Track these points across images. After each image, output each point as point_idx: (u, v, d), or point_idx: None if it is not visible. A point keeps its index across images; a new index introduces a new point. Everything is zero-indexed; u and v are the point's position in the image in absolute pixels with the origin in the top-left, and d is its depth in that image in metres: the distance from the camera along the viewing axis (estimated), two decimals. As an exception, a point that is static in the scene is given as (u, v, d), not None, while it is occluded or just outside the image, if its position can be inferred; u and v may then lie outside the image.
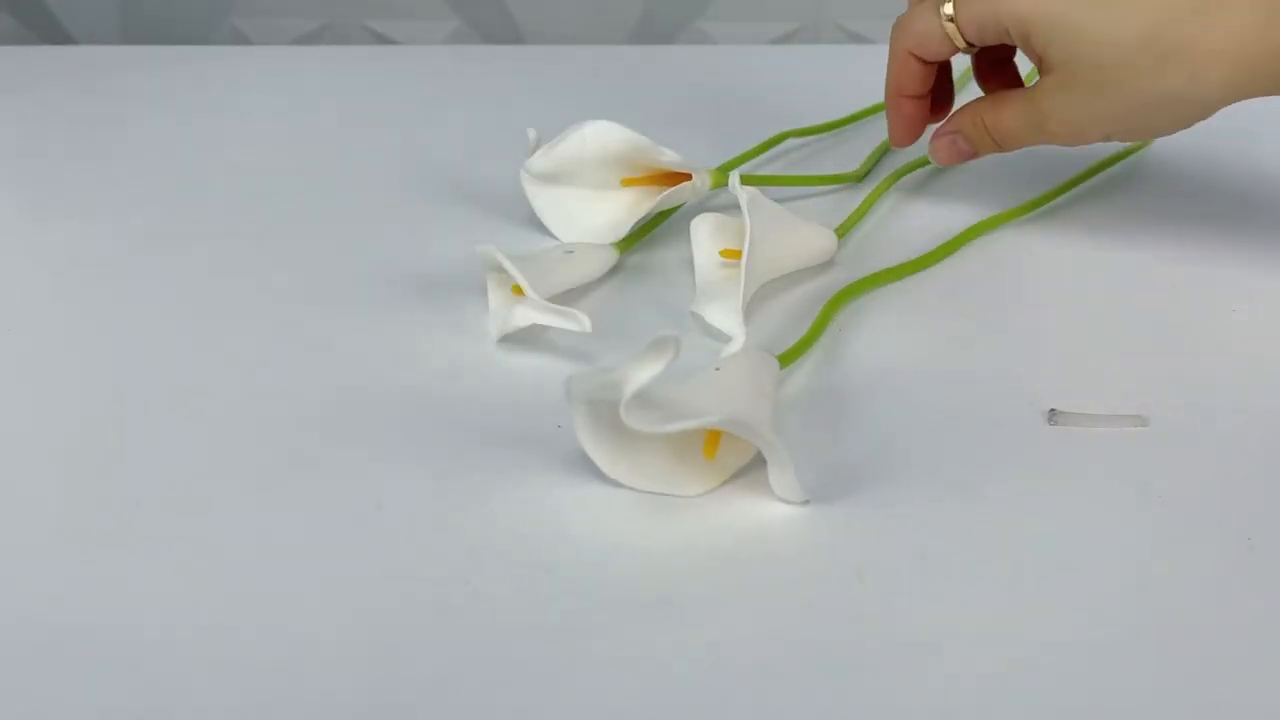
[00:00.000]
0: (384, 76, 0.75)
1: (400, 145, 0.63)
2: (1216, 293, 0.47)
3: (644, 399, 0.34)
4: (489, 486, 0.37)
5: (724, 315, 0.44)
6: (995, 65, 0.51)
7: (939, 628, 0.32)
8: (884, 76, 0.50)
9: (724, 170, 0.51)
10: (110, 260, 0.51)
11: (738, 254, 0.44)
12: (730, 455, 0.37)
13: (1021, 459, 0.38)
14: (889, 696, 0.30)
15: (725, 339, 0.43)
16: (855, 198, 0.53)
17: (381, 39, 0.87)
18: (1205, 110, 0.43)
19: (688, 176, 0.49)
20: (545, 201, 0.51)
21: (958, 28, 0.46)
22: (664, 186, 0.49)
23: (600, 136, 0.49)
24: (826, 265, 0.49)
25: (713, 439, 0.36)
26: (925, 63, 0.48)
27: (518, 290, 0.43)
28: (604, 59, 0.78)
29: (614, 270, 0.48)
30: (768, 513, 0.36)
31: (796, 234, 0.48)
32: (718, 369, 0.38)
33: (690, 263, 0.47)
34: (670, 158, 0.48)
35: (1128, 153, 0.58)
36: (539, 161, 0.50)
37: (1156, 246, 0.50)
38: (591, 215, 0.50)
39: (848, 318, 0.46)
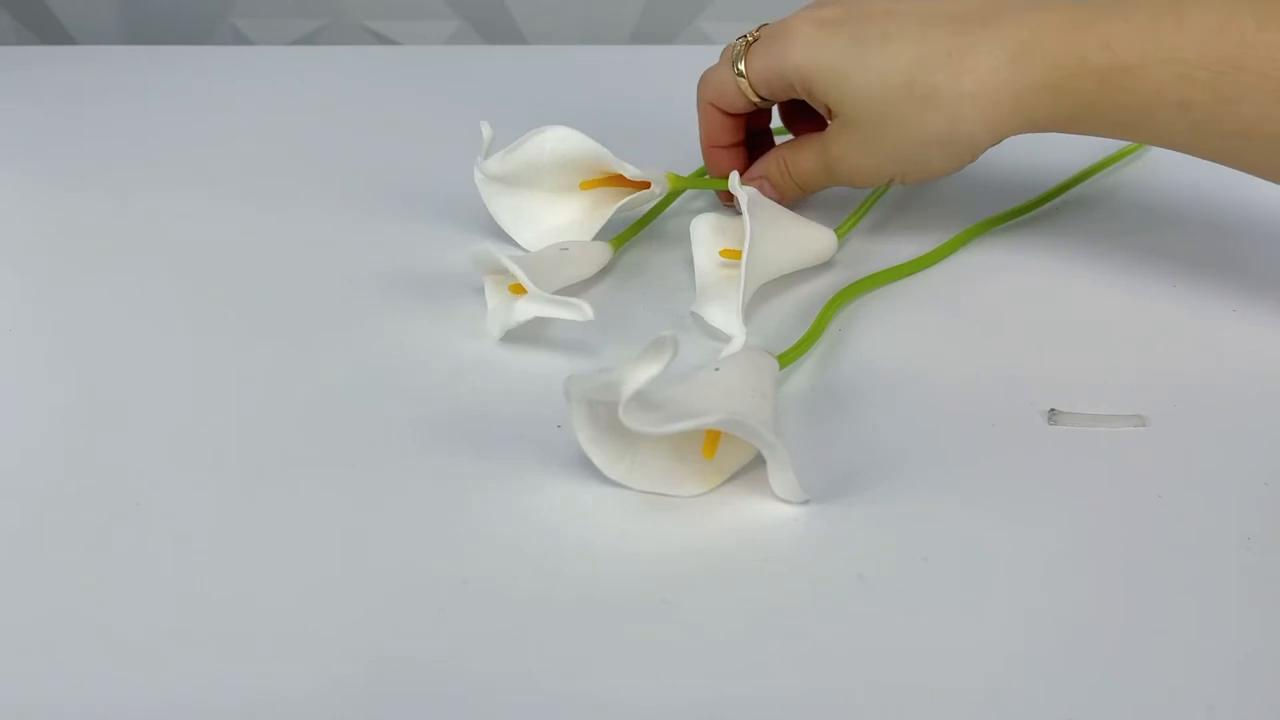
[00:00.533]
0: (384, 76, 0.75)
1: (400, 145, 0.63)
2: (1216, 293, 0.47)
3: (643, 399, 0.34)
4: (489, 486, 0.37)
5: (724, 315, 0.44)
6: (797, 111, 0.52)
7: (939, 627, 0.32)
8: None
9: (694, 177, 0.52)
10: (110, 260, 0.51)
11: (738, 254, 0.44)
12: (730, 455, 0.37)
13: (1021, 459, 0.38)
14: (889, 696, 0.30)
15: (725, 339, 0.43)
16: (855, 198, 0.53)
17: (381, 39, 0.87)
18: (974, 149, 0.44)
19: (646, 184, 0.49)
20: (501, 204, 0.51)
21: (749, 83, 0.48)
22: (623, 189, 0.49)
23: (560, 144, 0.48)
24: (826, 265, 0.49)
25: (712, 439, 0.36)
26: (729, 115, 0.50)
27: (516, 289, 0.44)
28: (604, 59, 0.78)
29: (607, 270, 0.49)
30: (768, 513, 0.36)
31: (796, 234, 0.48)
32: (717, 369, 0.38)
33: (684, 260, 0.47)
34: (629, 171, 0.48)
35: (1126, 152, 0.58)
36: (495, 165, 0.50)
37: (1156, 246, 0.50)
38: (550, 218, 0.50)
39: (848, 318, 0.46)
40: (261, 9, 0.87)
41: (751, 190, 0.45)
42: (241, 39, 0.88)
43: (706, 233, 0.46)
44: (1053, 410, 0.39)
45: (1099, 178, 0.56)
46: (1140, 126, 0.41)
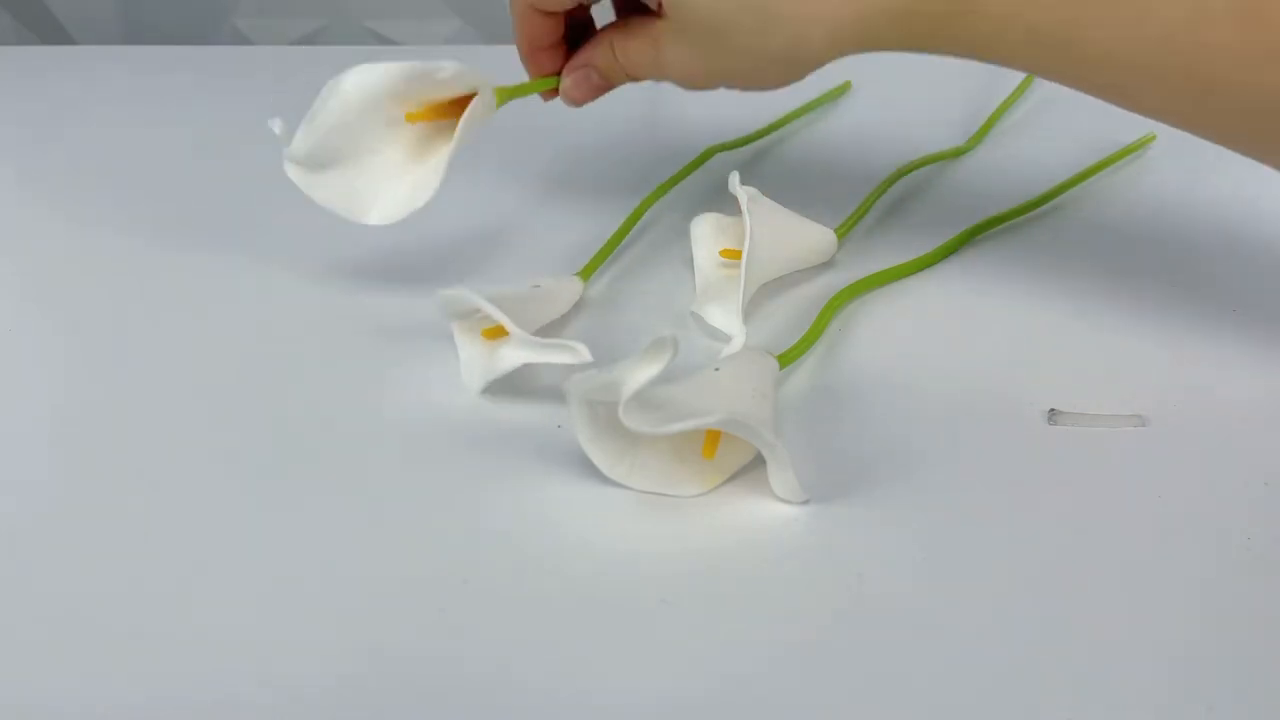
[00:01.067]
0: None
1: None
2: (1216, 293, 0.47)
3: (643, 400, 0.34)
4: (489, 486, 0.37)
5: (724, 315, 0.44)
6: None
7: (939, 627, 0.32)
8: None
9: (521, 86, 0.48)
10: (110, 260, 0.51)
11: (738, 254, 0.44)
12: (730, 455, 0.37)
13: (1021, 459, 0.38)
14: (889, 696, 0.30)
15: (725, 339, 0.43)
16: (854, 197, 0.53)
17: (381, 39, 0.87)
18: (810, 67, 0.43)
19: (468, 99, 0.43)
20: (329, 189, 0.44)
21: None
22: (452, 117, 0.44)
23: (362, 86, 0.42)
24: (826, 265, 0.49)
25: (712, 439, 0.36)
26: (549, 14, 0.46)
27: (491, 333, 0.41)
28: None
29: (578, 305, 0.46)
30: (768, 513, 0.36)
31: (797, 234, 0.48)
32: (717, 369, 0.38)
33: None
34: (447, 72, 0.42)
35: (1126, 152, 0.58)
36: (302, 142, 0.43)
37: (1157, 246, 0.50)
38: (390, 183, 0.44)
39: (847, 317, 0.46)
40: (262, 9, 0.87)
41: (751, 190, 0.45)
42: (242, 39, 0.88)
43: (707, 232, 0.46)
44: (1053, 410, 0.39)
45: (1099, 177, 0.56)
46: (989, 49, 0.40)
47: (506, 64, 0.75)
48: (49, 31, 0.89)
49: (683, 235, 0.48)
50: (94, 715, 0.30)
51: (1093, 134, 0.58)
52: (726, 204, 0.46)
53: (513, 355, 0.39)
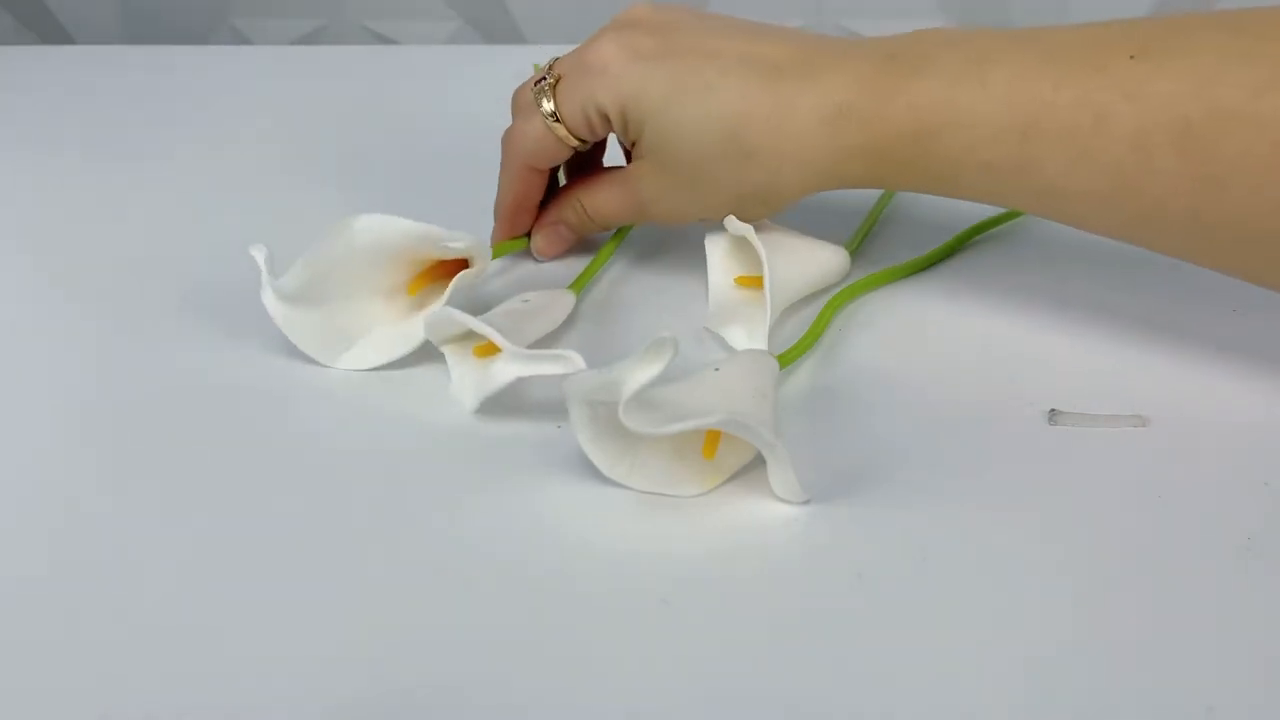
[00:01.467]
0: (384, 76, 0.75)
1: (400, 146, 0.63)
2: (1217, 292, 0.47)
3: (643, 400, 0.34)
4: (489, 487, 0.37)
5: (749, 337, 0.44)
6: (579, 161, 0.50)
7: (939, 628, 0.32)
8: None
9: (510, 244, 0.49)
10: (110, 260, 0.51)
11: (754, 281, 0.45)
12: (730, 455, 0.37)
13: (1021, 459, 0.38)
14: (889, 696, 0.30)
15: None
16: (862, 210, 0.53)
17: (381, 39, 0.87)
18: (788, 201, 0.44)
19: (464, 264, 0.43)
20: (303, 329, 0.42)
21: (565, 126, 0.45)
22: (443, 279, 0.43)
23: (371, 232, 0.41)
24: (844, 280, 0.49)
25: (712, 439, 0.36)
26: (542, 172, 0.48)
27: (483, 351, 0.40)
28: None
29: (571, 320, 0.46)
30: (768, 513, 0.36)
31: (812, 258, 0.47)
32: (717, 369, 0.38)
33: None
34: (461, 243, 0.42)
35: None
36: (293, 280, 0.41)
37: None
38: (367, 331, 0.43)
39: (848, 318, 0.46)
40: (261, 9, 0.87)
41: (749, 226, 0.44)
42: (241, 39, 0.88)
43: (721, 254, 0.46)
44: (1053, 410, 0.39)
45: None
46: (950, 186, 0.41)
47: (506, 64, 0.75)
48: (49, 31, 0.89)
49: (672, 248, 0.48)
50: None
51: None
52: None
53: (506, 370, 0.39)
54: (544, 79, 0.46)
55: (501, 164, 0.48)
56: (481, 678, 0.30)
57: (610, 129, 0.45)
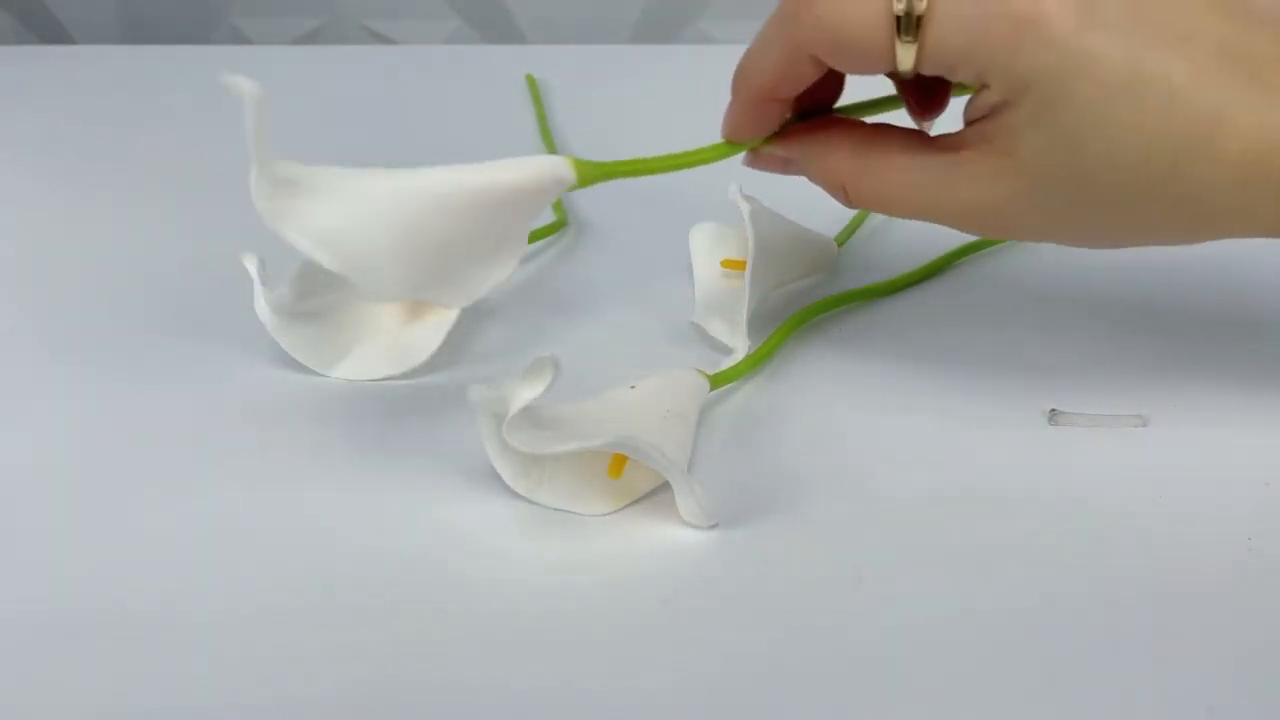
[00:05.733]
0: (384, 76, 0.75)
1: (399, 145, 0.63)
2: (1218, 292, 0.47)
3: (538, 418, 0.33)
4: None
5: (727, 328, 0.43)
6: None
7: (938, 628, 0.32)
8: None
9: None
10: (109, 260, 0.51)
11: (739, 264, 0.44)
12: (639, 476, 0.35)
13: (1022, 459, 0.38)
14: (890, 697, 0.30)
15: (727, 350, 0.42)
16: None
17: (381, 38, 0.87)
18: (1204, 239, 0.34)
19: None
20: (298, 336, 0.41)
21: (921, 46, 0.31)
22: None
23: None
24: (832, 273, 0.49)
25: (619, 459, 0.35)
26: (822, 65, 0.34)
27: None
28: (604, 59, 0.78)
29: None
30: (769, 511, 0.36)
31: (799, 244, 0.47)
32: (633, 387, 0.37)
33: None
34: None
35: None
36: (291, 292, 0.41)
37: (1157, 246, 0.50)
38: (369, 340, 0.42)
39: (850, 318, 0.46)
40: (261, 8, 0.87)
41: (753, 201, 0.44)
42: (240, 38, 0.88)
43: (706, 242, 0.46)
44: (1053, 410, 0.39)
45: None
46: None
47: (505, 64, 0.75)
48: (48, 31, 0.89)
49: (670, 240, 0.48)
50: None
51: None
52: (717, 211, 0.46)
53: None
54: None
55: (775, 18, 0.34)
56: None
57: (969, 87, 0.33)
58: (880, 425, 0.40)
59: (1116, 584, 0.33)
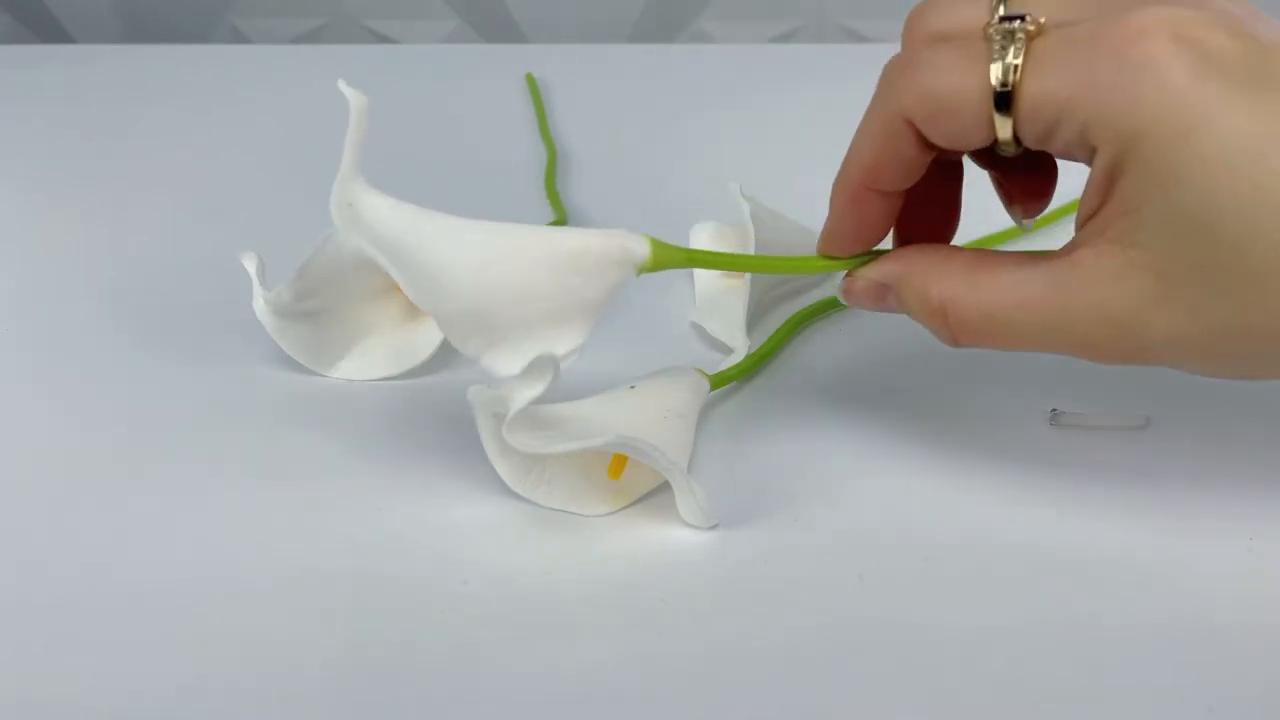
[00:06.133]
0: (384, 76, 0.75)
1: (399, 145, 0.63)
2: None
3: (543, 416, 0.33)
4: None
5: (726, 327, 0.43)
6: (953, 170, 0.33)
7: (939, 628, 0.32)
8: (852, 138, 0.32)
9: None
10: (107, 259, 0.51)
11: None
12: (639, 476, 0.35)
13: (1022, 460, 0.38)
14: (890, 698, 0.30)
15: (727, 350, 0.42)
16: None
17: (381, 38, 0.87)
18: None
19: None
20: (297, 337, 0.41)
21: (1015, 111, 0.28)
22: None
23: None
24: (832, 273, 0.49)
25: (619, 460, 0.35)
26: (928, 145, 0.30)
27: None
28: (604, 58, 0.78)
29: None
30: (769, 511, 0.35)
31: (799, 243, 0.47)
32: (633, 387, 0.37)
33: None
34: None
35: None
36: (288, 294, 0.40)
37: None
38: (370, 339, 0.42)
39: (851, 318, 0.46)
40: (260, 8, 0.87)
41: (754, 200, 0.43)
42: (240, 38, 0.88)
43: (706, 242, 0.46)
44: (1054, 411, 0.39)
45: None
46: None
47: (505, 64, 0.75)
48: (47, 30, 0.89)
49: (670, 239, 0.48)
50: (80, 710, 0.29)
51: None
52: (717, 211, 0.46)
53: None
54: (1021, 23, 0.28)
55: (875, 93, 0.31)
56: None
57: (1076, 157, 0.29)
58: (881, 425, 0.40)
59: (1117, 584, 0.33)
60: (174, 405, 0.41)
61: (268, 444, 0.39)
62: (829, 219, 0.34)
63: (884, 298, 0.33)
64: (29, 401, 0.42)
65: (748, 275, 0.41)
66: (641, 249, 0.34)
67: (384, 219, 0.35)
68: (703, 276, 0.46)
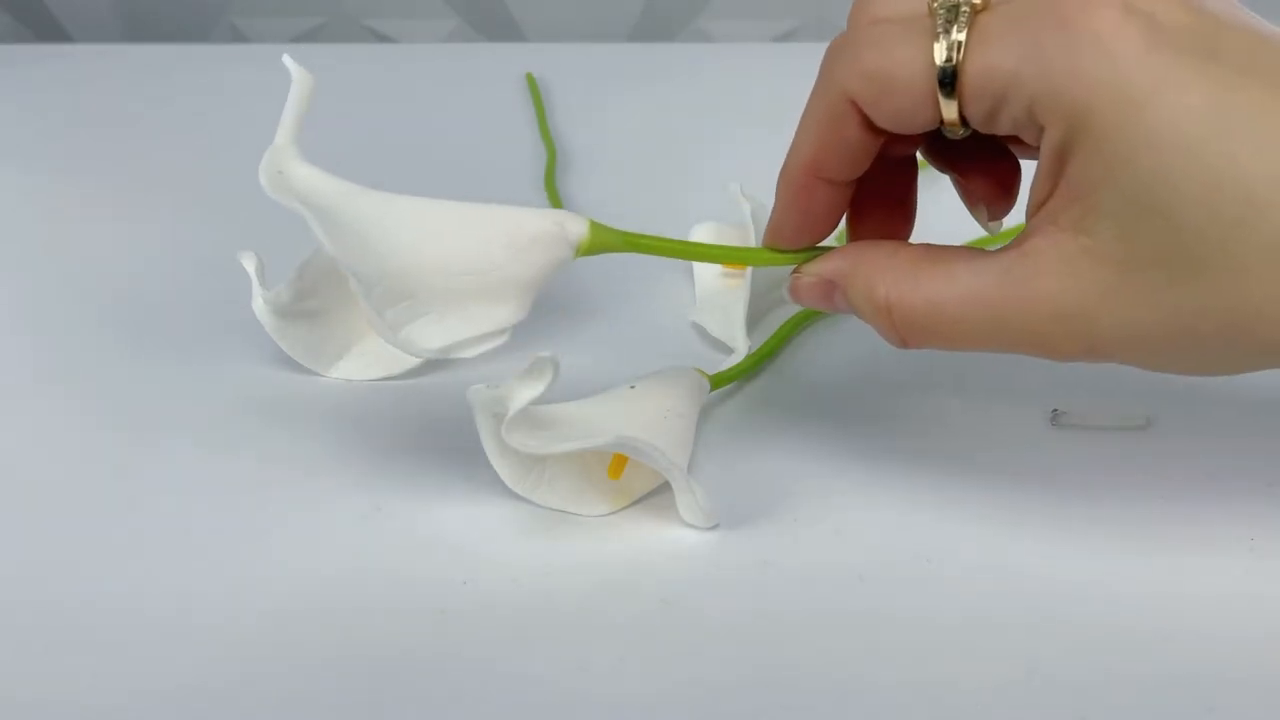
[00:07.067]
0: (384, 75, 0.75)
1: (399, 145, 0.63)
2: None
3: (537, 418, 0.33)
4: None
5: (727, 327, 0.43)
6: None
7: (941, 629, 0.32)
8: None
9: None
10: (106, 259, 0.51)
11: (740, 264, 0.44)
12: (640, 476, 0.35)
13: (1023, 460, 0.38)
14: (890, 698, 0.30)
15: (728, 350, 0.42)
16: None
17: (381, 37, 0.87)
18: None
19: None
20: (296, 336, 0.41)
21: (963, 92, 0.27)
22: None
23: None
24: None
25: (619, 460, 0.35)
26: (873, 129, 0.29)
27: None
28: (604, 58, 0.78)
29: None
30: (769, 512, 0.35)
31: None
32: (633, 387, 0.37)
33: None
34: None
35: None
36: (287, 294, 0.40)
37: None
38: (370, 339, 0.41)
39: (850, 318, 0.46)
40: (260, 7, 0.87)
41: (754, 200, 0.43)
42: (239, 37, 0.88)
43: (705, 241, 0.46)
44: (1055, 411, 0.39)
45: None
46: None
47: (505, 63, 0.75)
48: (47, 29, 0.89)
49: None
50: (79, 711, 0.29)
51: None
52: (717, 211, 0.46)
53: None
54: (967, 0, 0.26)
55: (817, 85, 0.30)
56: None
57: (1024, 139, 0.28)
58: (880, 425, 0.40)
59: (1117, 585, 0.33)
60: (173, 405, 0.41)
61: (267, 444, 0.39)
62: (774, 209, 0.32)
63: (830, 296, 0.32)
64: (28, 401, 0.42)
65: (748, 275, 0.42)
66: (578, 229, 0.34)
67: (316, 186, 0.35)
68: (703, 276, 0.46)
